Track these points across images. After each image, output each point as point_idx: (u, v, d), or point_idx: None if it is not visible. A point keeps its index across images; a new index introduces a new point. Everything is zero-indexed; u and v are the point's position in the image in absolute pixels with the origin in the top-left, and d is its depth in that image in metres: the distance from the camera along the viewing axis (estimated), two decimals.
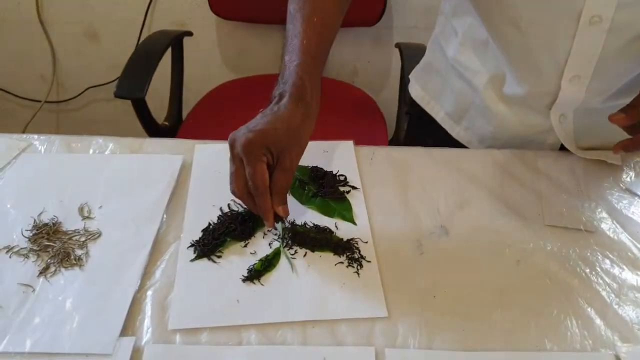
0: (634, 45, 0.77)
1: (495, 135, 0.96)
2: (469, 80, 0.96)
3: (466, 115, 1.00)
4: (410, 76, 1.14)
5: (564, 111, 0.88)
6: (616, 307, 0.69)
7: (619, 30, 0.75)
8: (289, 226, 0.77)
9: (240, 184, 0.72)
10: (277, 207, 0.73)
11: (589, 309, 0.68)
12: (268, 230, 0.77)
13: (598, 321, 0.67)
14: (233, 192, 0.73)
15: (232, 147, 0.72)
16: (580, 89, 0.83)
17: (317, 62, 0.79)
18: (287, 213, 0.74)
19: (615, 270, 0.73)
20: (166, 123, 1.57)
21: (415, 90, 1.11)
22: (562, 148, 0.93)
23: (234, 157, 0.72)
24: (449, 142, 1.04)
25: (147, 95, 1.35)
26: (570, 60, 0.80)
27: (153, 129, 1.45)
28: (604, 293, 0.70)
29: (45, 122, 2.18)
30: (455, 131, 1.04)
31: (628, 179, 0.88)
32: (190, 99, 1.70)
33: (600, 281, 0.72)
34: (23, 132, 2.09)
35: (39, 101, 2.10)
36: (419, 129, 1.15)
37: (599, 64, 0.79)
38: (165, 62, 1.46)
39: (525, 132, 0.94)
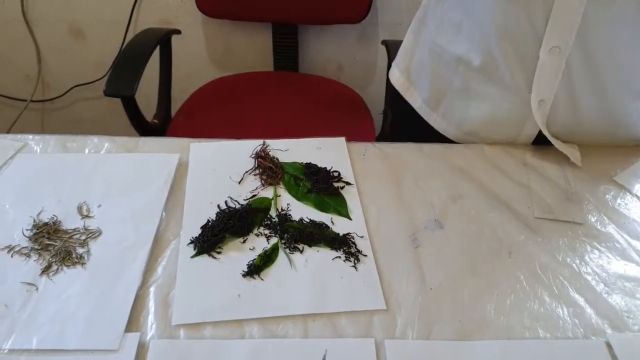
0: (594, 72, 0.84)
1: (473, 119, 0.96)
2: (447, 62, 0.96)
3: (444, 101, 1.00)
4: (392, 63, 1.15)
5: (544, 96, 0.88)
6: (606, 296, 0.71)
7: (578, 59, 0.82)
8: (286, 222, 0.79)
9: None
10: None
11: (579, 298, 0.70)
12: (264, 227, 0.79)
13: (589, 310, 0.69)
14: None
15: None
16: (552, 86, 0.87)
17: None
18: None
19: (604, 261, 0.76)
20: (155, 121, 1.57)
21: (395, 77, 1.12)
22: (544, 143, 0.94)
23: None
24: (430, 132, 1.04)
25: None
26: (535, 83, 0.86)
27: (143, 127, 1.45)
28: (593, 282, 0.73)
29: (30, 121, 2.17)
30: (432, 118, 1.03)
31: (615, 173, 0.90)
32: (177, 97, 1.70)
33: (590, 271, 0.74)
34: (8, 131, 2.08)
35: (25, 100, 2.08)
36: (403, 128, 1.16)
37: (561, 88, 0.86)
38: (150, 61, 1.46)
39: (504, 115, 0.94)
